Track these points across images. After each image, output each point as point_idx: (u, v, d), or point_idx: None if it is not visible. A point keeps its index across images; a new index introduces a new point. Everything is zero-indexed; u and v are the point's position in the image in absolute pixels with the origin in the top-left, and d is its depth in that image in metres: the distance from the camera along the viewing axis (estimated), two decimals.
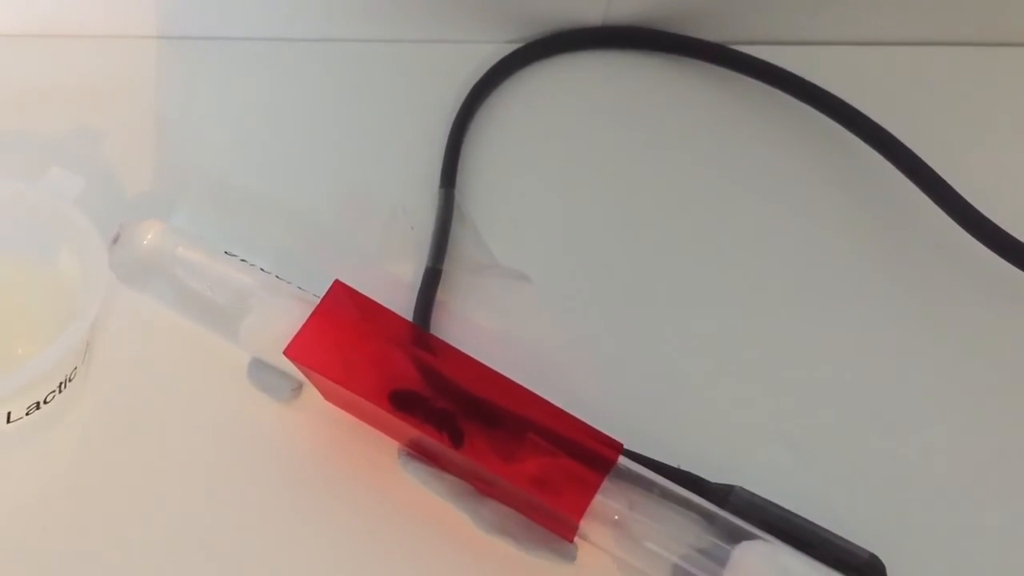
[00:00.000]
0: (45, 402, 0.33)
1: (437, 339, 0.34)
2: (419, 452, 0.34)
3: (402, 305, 0.37)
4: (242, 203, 0.41)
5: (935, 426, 0.36)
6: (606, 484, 0.31)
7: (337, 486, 0.34)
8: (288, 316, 0.34)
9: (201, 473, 0.35)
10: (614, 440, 0.32)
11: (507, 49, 0.45)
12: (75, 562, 0.33)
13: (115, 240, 0.36)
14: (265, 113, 0.43)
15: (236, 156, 0.42)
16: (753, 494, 0.32)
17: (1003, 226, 0.38)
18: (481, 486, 0.33)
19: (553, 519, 0.32)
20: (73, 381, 0.34)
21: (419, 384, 0.33)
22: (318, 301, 0.34)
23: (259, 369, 0.36)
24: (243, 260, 0.36)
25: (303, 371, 0.34)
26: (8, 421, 0.32)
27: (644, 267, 0.40)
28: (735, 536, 0.31)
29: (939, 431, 0.36)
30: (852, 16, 0.45)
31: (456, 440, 0.31)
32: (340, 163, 0.42)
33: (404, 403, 0.32)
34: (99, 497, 0.34)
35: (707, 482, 0.33)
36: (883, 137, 0.41)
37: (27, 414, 0.32)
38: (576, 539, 0.33)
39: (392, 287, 0.38)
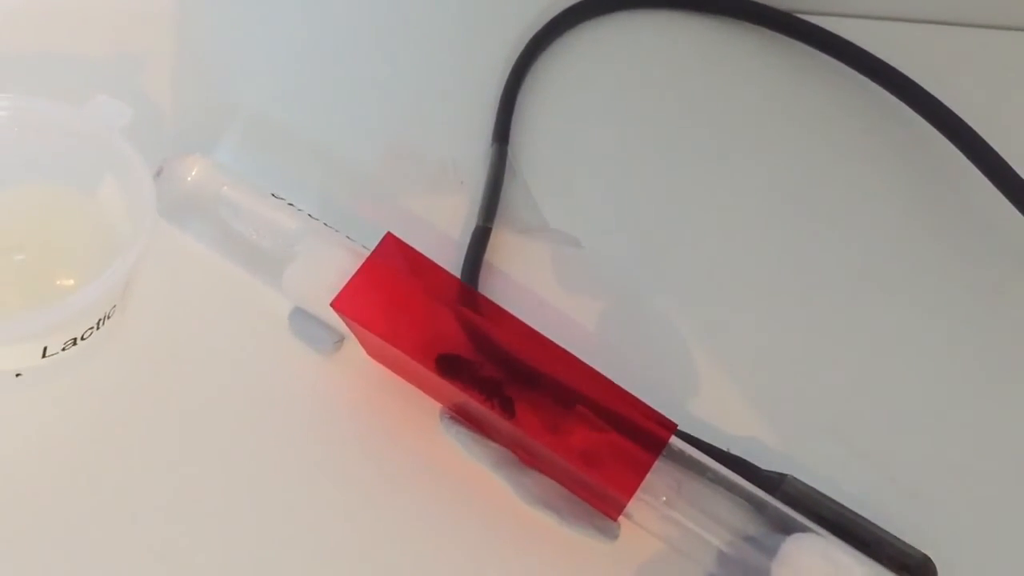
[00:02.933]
0: (82, 338, 0.31)
1: (488, 300, 0.33)
2: (462, 416, 0.33)
3: (448, 262, 0.35)
4: (287, 144, 0.39)
5: (995, 425, 0.35)
6: (656, 464, 0.30)
7: (375, 445, 0.33)
8: (335, 266, 0.33)
9: (235, 421, 0.34)
10: (667, 419, 0.31)
11: (568, 2, 0.44)
12: (105, 500, 0.32)
13: (158, 174, 0.35)
14: (317, 55, 0.42)
15: (284, 96, 0.41)
16: (806, 484, 0.32)
17: None
18: (525, 456, 0.33)
19: (598, 495, 0.31)
20: (111, 318, 0.33)
21: (466, 347, 0.32)
22: (366, 252, 0.33)
23: (301, 318, 0.35)
24: (290, 204, 0.35)
25: (348, 324, 0.33)
26: (44, 356, 0.31)
27: (699, 239, 0.38)
28: (785, 526, 0.30)
29: (999, 430, 0.35)
30: None
31: (508, 410, 0.30)
32: (390, 110, 0.41)
33: (451, 368, 0.31)
34: (130, 438, 0.33)
35: (758, 469, 0.32)
36: (944, 115, 0.40)
37: (63, 349, 0.31)
38: (620, 518, 0.32)
39: (439, 243, 0.37)
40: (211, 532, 0.32)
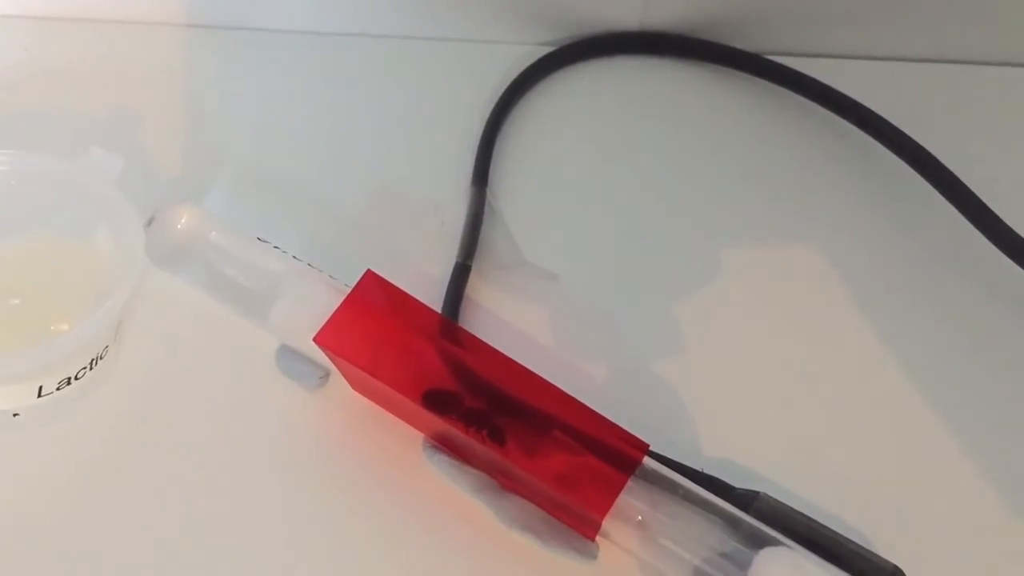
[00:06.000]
0: (76, 378, 0.33)
1: (466, 332, 0.34)
2: (443, 444, 0.34)
3: (430, 300, 0.36)
4: (274, 192, 0.41)
5: (966, 439, 0.36)
6: (630, 484, 0.31)
7: (361, 476, 0.34)
8: (319, 303, 0.34)
9: (225, 457, 0.35)
10: (640, 440, 0.32)
11: (542, 51, 0.45)
12: (98, 538, 0.33)
13: (149, 223, 0.36)
14: (301, 105, 0.44)
15: (270, 146, 0.42)
16: (778, 501, 0.32)
17: None
18: (504, 481, 0.33)
19: (576, 517, 0.32)
20: (104, 359, 0.34)
21: (447, 377, 0.33)
22: (349, 290, 0.34)
23: (287, 356, 0.36)
24: (275, 247, 0.36)
25: (332, 359, 0.34)
26: (39, 395, 0.32)
27: (673, 272, 0.40)
28: (758, 542, 0.31)
29: (970, 445, 0.36)
30: (891, 31, 0.45)
31: (498, 439, 0.31)
32: (373, 157, 0.42)
33: (439, 403, 0.32)
34: (124, 475, 0.34)
35: (731, 487, 0.33)
36: (917, 152, 0.41)
37: (58, 389, 0.33)
38: (598, 538, 0.33)
39: (421, 281, 0.38)
40: (203, 565, 0.33)
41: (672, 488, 0.32)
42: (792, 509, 0.32)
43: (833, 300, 0.39)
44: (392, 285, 0.34)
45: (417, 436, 0.35)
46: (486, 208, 0.40)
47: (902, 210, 0.42)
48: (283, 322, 0.35)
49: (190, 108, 0.43)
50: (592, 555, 0.33)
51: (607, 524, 0.31)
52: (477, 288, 0.39)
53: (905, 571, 0.31)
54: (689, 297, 0.39)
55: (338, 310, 0.33)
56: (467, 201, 0.41)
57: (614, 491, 0.31)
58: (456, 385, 0.33)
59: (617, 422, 0.32)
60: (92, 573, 0.32)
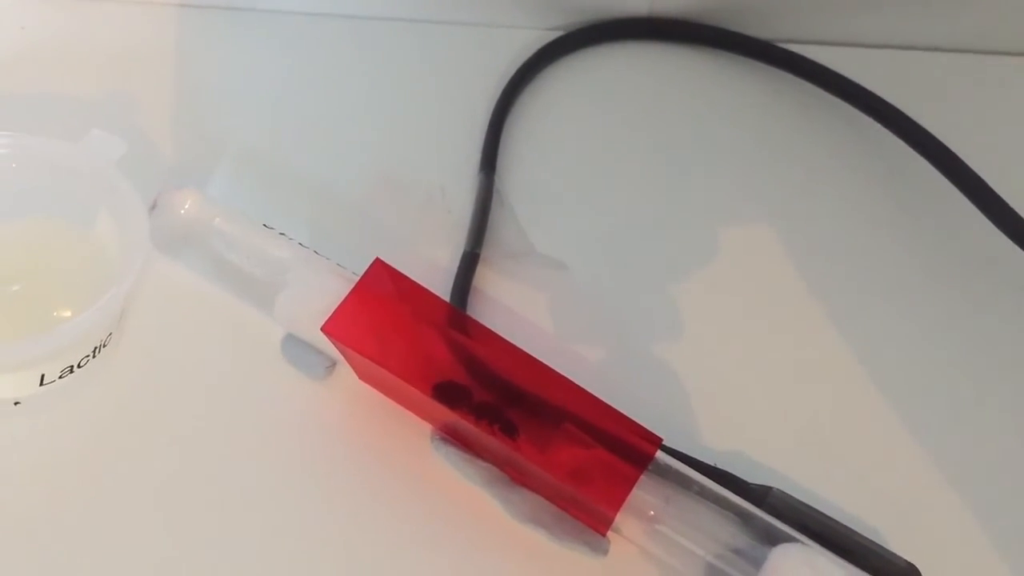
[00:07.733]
0: (79, 366, 0.32)
1: (476, 322, 0.34)
2: (452, 435, 0.34)
3: (438, 288, 0.36)
4: (279, 177, 0.40)
5: (979, 434, 0.36)
6: (643, 479, 0.31)
7: (368, 468, 0.34)
8: (326, 292, 0.33)
9: (230, 446, 0.34)
10: (653, 434, 0.32)
11: (550, 36, 0.45)
12: (99, 527, 0.32)
13: (152, 208, 0.35)
14: (307, 89, 0.43)
15: (275, 130, 0.42)
16: (791, 496, 0.32)
17: None
18: (514, 474, 0.33)
19: (587, 511, 0.32)
20: (107, 347, 0.33)
21: (456, 368, 0.32)
22: (356, 278, 0.34)
23: (293, 345, 0.35)
24: (282, 234, 0.36)
25: (339, 348, 0.33)
26: (41, 383, 0.32)
27: (684, 261, 0.39)
28: (771, 538, 0.31)
29: (983, 439, 0.36)
30: (902, 19, 0.45)
31: (510, 433, 0.31)
32: (379, 142, 0.42)
33: (450, 396, 0.32)
34: (126, 464, 0.33)
35: (744, 482, 0.33)
36: (926, 140, 0.41)
37: (60, 377, 0.32)
38: (609, 533, 0.32)
39: (428, 270, 0.37)
40: (206, 556, 0.32)
41: (685, 483, 0.31)
42: (806, 505, 0.32)
43: (846, 290, 0.39)
44: (401, 274, 0.34)
45: (425, 427, 0.34)
46: (494, 195, 0.40)
47: (912, 199, 0.41)
48: (289, 311, 0.34)
49: (193, 90, 0.42)
50: (603, 550, 0.32)
51: (618, 519, 0.31)
52: (485, 277, 0.38)
53: (920, 568, 0.31)
54: (701, 287, 0.39)
55: (346, 299, 0.33)
56: (475, 188, 0.40)
57: (627, 486, 0.31)
58: (466, 377, 0.32)
59: (629, 415, 0.32)
60: (94, 562, 0.32)
